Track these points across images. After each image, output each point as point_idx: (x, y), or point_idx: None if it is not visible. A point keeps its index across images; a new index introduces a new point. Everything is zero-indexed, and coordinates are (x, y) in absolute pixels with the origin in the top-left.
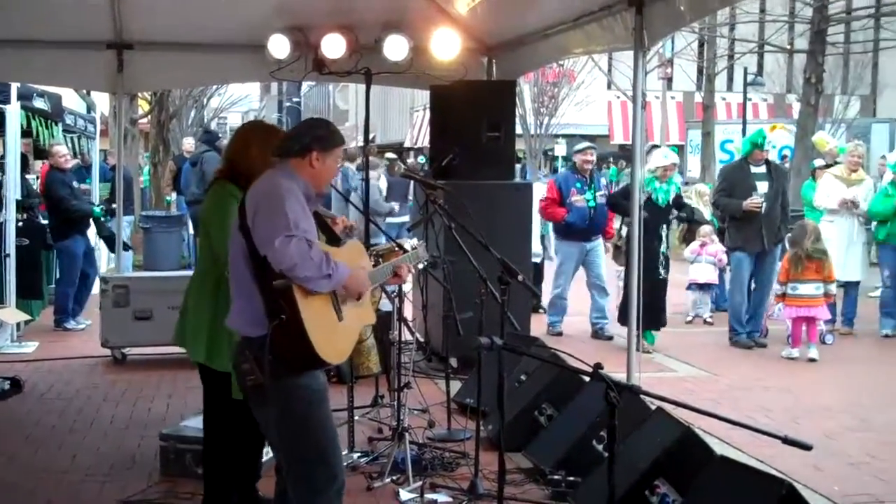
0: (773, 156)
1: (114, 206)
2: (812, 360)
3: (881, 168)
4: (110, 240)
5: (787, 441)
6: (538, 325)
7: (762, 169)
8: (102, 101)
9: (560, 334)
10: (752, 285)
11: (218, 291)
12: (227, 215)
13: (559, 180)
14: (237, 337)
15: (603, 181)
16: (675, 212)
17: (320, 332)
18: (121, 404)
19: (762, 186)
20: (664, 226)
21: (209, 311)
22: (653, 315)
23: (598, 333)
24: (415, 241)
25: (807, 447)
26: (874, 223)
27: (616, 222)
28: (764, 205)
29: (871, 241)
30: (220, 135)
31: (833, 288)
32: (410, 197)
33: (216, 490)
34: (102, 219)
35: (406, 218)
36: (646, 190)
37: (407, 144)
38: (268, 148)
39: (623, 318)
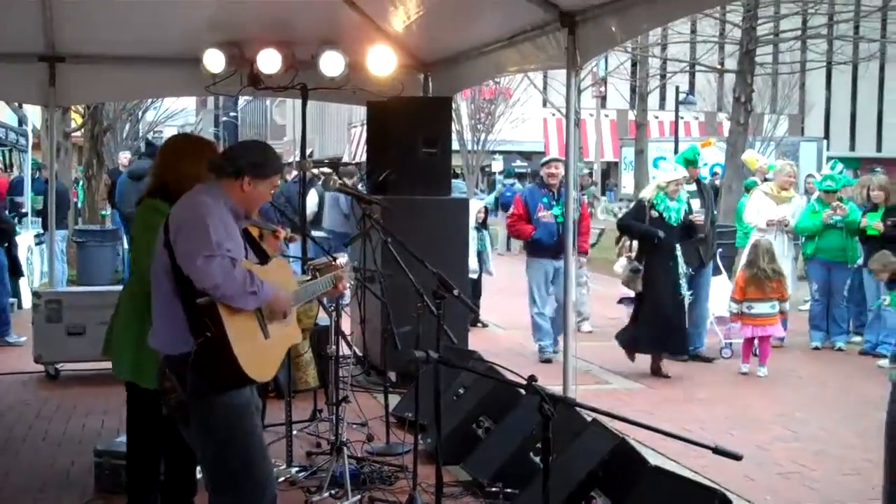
0: (703, 172)
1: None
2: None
3: (809, 186)
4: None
5: (717, 451)
6: (478, 341)
7: (692, 187)
8: (34, 114)
9: (550, 361)
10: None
11: (147, 308)
12: (153, 233)
13: (525, 195)
14: (159, 356)
15: (574, 195)
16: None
17: (246, 350)
18: (54, 421)
19: (694, 204)
20: (678, 245)
21: (137, 328)
22: (669, 339)
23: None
24: (345, 257)
25: (737, 457)
26: (802, 238)
27: (593, 237)
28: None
29: (799, 256)
30: None
31: (787, 305)
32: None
33: None
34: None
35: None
36: (657, 209)
37: (345, 160)
38: (198, 161)
39: (637, 346)
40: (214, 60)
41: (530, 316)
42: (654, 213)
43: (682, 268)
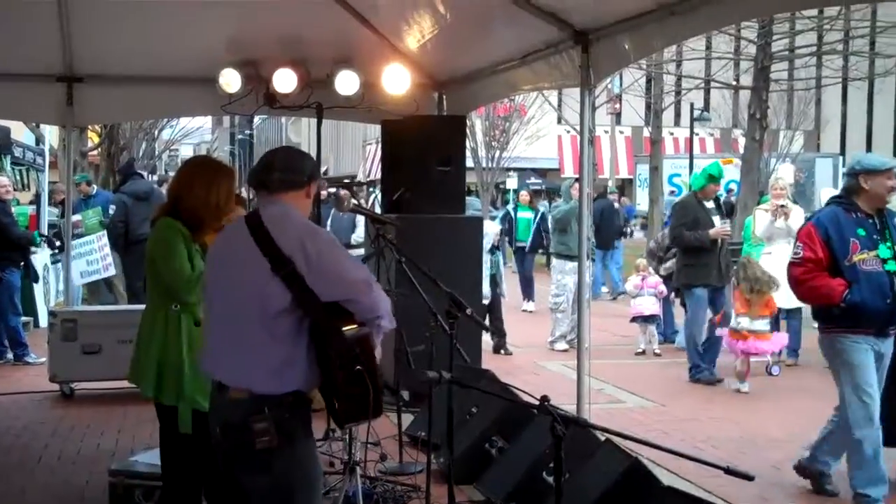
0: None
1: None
2: (742, 392)
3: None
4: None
5: (729, 472)
6: (492, 360)
7: (711, 203)
8: (51, 133)
9: None
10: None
11: (167, 326)
12: (176, 252)
13: (824, 224)
14: (239, 395)
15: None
16: None
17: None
18: (69, 440)
19: (715, 221)
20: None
21: (158, 345)
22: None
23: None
24: None
25: (749, 478)
26: None
27: None
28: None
29: None
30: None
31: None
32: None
33: None
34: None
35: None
36: None
37: (360, 178)
38: (213, 186)
39: None
40: (230, 80)
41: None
42: None
43: None
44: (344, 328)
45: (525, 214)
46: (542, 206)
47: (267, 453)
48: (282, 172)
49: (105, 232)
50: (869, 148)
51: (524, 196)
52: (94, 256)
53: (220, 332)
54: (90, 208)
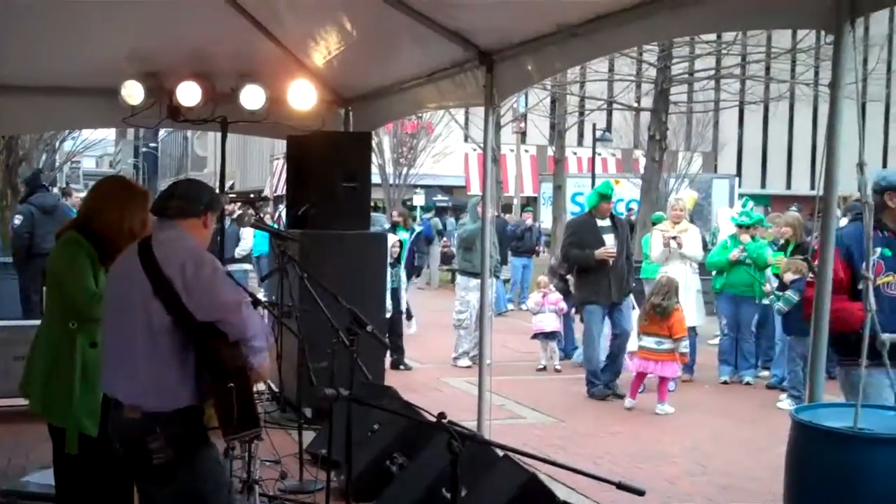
0: (620, 208)
1: None
2: (663, 413)
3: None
4: None
5: (621, 486)
6: (395, 376)
7: (607, 222)
8: None
9: None
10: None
11: (61, 343)
12: (81, 267)
13: (846, 243)
14: (133, 414)
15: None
16: None
17: None
18: None
19: (608, 239)
20: None
21: (48, 362)
22: None
23: None
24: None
25: (640, 492)
26: (713, 273)
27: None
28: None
29: (708, 290)
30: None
31: (681, 346)
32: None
33: None
34: None
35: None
36: None
37: (266, 193)
38: (126, 212)
39: None
40: (133, 92)
41: None
42: None
43: None
44: (221, 349)
45: (401, 235)
46: (449, 223)
47: (166, 467)
48: (180, 200)
49: None
50: (764, 169)
51: (395, 216)
52: None
53: (113, 352)
54: None
